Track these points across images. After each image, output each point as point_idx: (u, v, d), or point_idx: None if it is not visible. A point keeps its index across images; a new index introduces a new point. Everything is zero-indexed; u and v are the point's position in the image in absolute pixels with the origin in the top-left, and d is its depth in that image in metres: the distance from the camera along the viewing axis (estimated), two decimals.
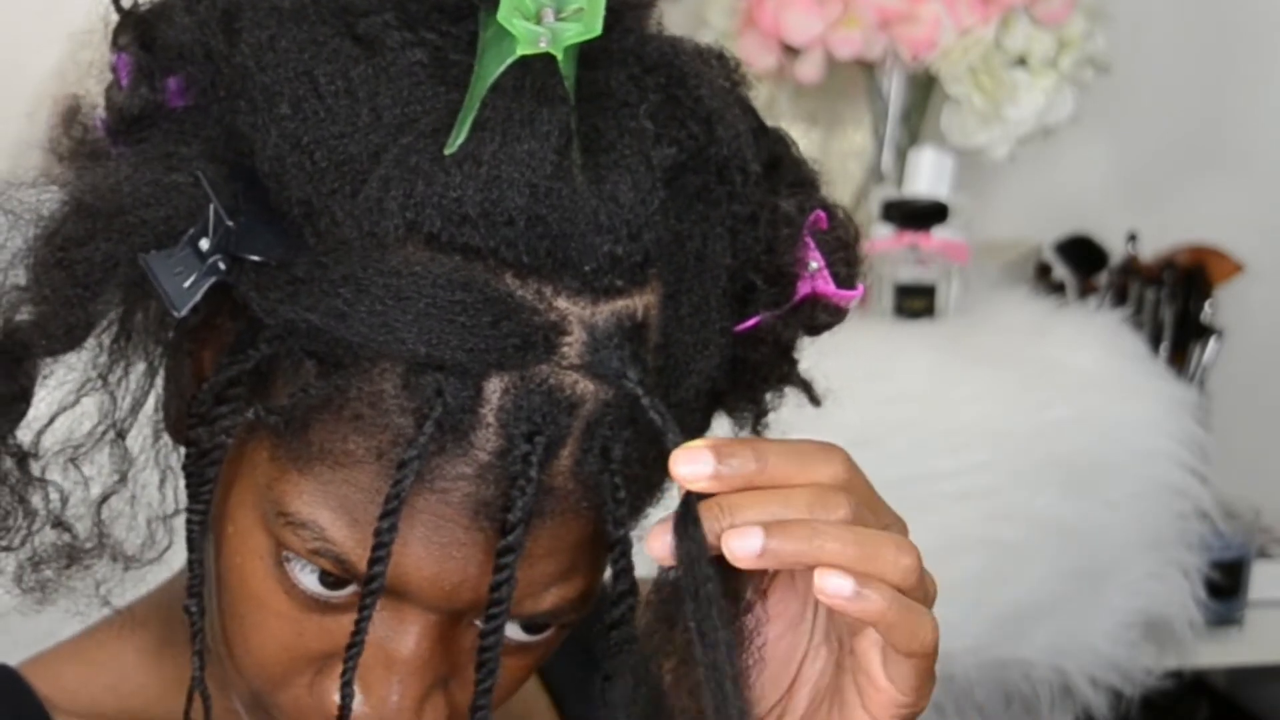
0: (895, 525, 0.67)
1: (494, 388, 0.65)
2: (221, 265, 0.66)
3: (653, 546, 0.65)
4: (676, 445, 0.65)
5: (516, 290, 0.65)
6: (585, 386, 0.66)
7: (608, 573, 0.69)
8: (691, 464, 0.64)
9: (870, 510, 0.66)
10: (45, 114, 0.74)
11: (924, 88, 1.84)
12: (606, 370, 0.66)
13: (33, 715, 0.79)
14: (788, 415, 0.81)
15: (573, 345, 0.65)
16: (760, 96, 1.96)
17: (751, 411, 0.80)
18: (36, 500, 0.73)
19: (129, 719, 0.80)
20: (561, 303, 0.65)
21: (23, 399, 0.71)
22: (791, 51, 1.78)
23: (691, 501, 0.64)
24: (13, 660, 0.82)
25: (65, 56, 0.74)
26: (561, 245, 0.65)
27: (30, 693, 0.80)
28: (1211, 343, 1.93)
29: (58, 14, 0.72)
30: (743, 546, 0.64)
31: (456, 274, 0.64)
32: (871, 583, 0.64)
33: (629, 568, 0.67)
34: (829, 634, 0.70)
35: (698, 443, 0.64)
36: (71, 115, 0.73)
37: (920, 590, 0.66)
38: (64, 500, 0.74)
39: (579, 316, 0.65)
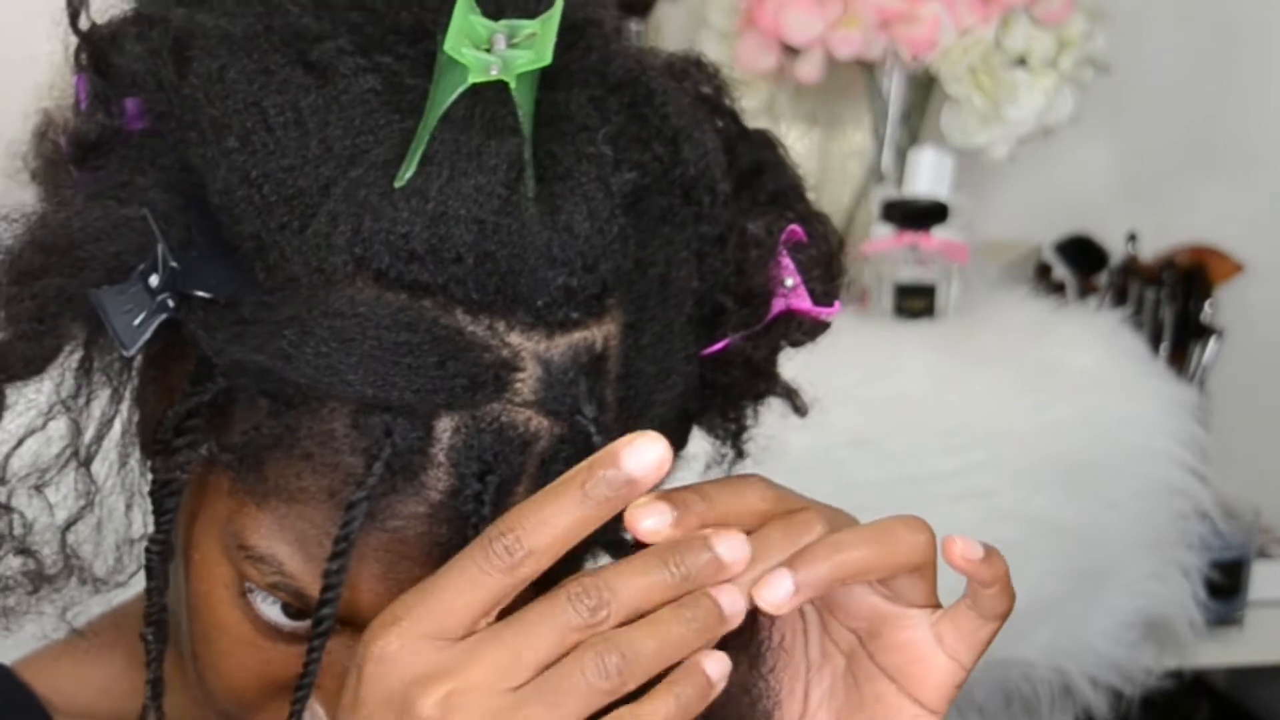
0: (845, 520, 0.68)
1: (445, 427, 0.63)
2: (170, 303, 0.65)
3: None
4: None
5: (467, 327, 0.63)
6: (539, 423, 0.64)
7: None
8: (652, 517, 0.63)
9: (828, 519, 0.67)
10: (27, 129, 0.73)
11: (924, 88, 1.84)
12: (561, 407, 0.64)
13: (35, 715, 0.79)
14: (785, 421, 0.81)
15: (526, 381, 0.64)
16: (760, 97, 1.96)
17: (731, 428, 0.80)
18: (1, 526, 0.72)
19: None
20: (514, 338, 0.64)
21: None
22: (791, 51, 1.78)
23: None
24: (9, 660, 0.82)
25: (56, 68, 0.73)
26: (511, 281, 0.63)
27: (29, 693, 0.80)
28: (1211, 343, 1.93)
29: (57, 14, 0.71)
30: (776, 592, 0.64)
31: (403, 313, 0.63)
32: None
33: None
34: (826, 651, 0.70)
35: (648, 497, 0.63)
36: (41, 133, 0.73)
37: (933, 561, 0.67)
38: (28, 527, 0.73)
39: (533, 352, 0.64)
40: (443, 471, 0.64)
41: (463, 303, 0.63)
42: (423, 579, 0.64)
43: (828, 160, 1.94)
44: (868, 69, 1.84)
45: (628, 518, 0.63)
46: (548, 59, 0.63)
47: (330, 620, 0.65)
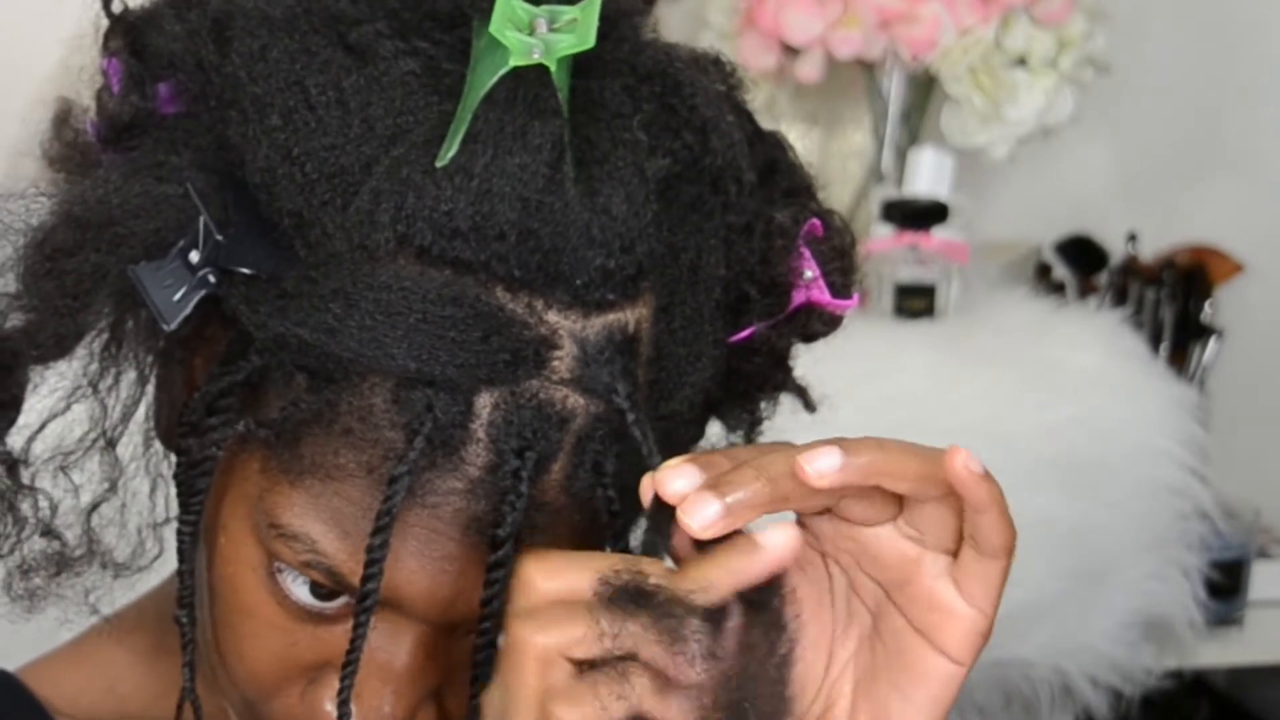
0: None
1: (484, 403, 0.64)
2: (211, 278, 0.66)
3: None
4: (657, 467, 0.64)
5: (507, 304, 0.64)
6: (576, 401, 0.65)
7: None
8: (680, 479, 0.63)
9: None
10: (39, 118, 0.73)
11: (924, 88, 1.84)
12: (597, 385, 0.65)
13: (37, 718, 0.79)
14: (784, 420, 0.81)
15: (563, 360, 0.65)
16: (760, 97, 1.97)
17: (746, 420, 0.80)
18: (26, 508, 0.73)
19: None
20: (552, 317, 0.65)
21: (13, 406, 0.71)
22: (791, 51, 1.78)
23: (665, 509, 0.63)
24: (10, 665, 0.82)
25: (59, 61, 0.73)
26: (553, 259, 0.64)
27: (30, 697, 0.80)
28: (1211, 343, 1.93)
29: (57, 14, 0.72)
30: (824, 463, 0.62)
31: (447, 288, 0.64)
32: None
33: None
34: (851, 612, 0.69)
35: (675, 460, 0.63)
36: (63, 119, 0.73)
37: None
38: (54, 508, 0.73)
39: (570, 331, 0.65)
40: (482, 447, 0.64)
41: (504, 280, 0.64)
42: (457, 556, 0.65)
43: (828, 160, 1.94)
44: (868, 69, 1.84)
45: (657, 480, 0.63)
46: (590, 42, 0.64)
47: (375, 595, 0.65)
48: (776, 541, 0.63)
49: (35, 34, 0.74)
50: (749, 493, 0.62)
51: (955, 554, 0.67)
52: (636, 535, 0.70)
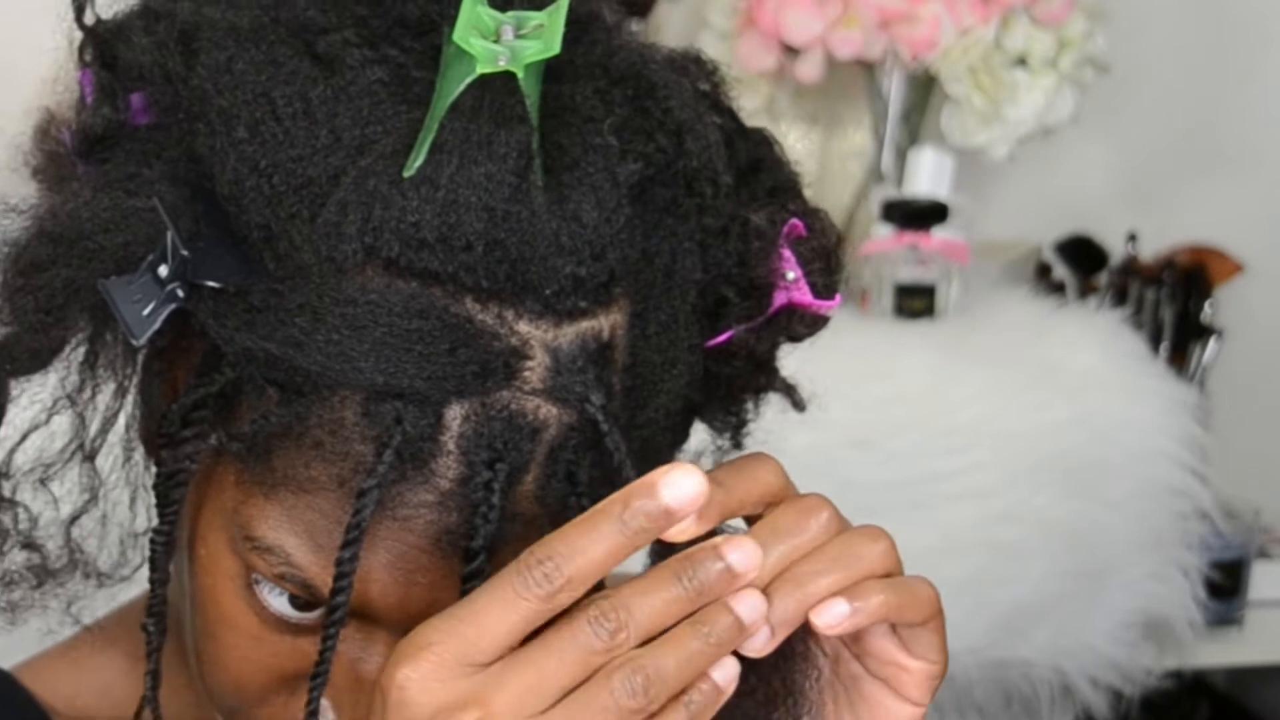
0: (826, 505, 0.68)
1: (454, 415, 0.64)
2: (180, 293, 0.65)
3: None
4: (630, 480, 0.64)
5: (476, 315, 0.64)
6: (548, 411, 0.65)
7: None
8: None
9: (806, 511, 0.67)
10: (24, 129, 0.73)
11: (924, 88, 1.84)
12: (569, 395, 0.65)
13: (35, 718, 0.79)
14: (785, 421, 0.81)
15: (535, 370, 0.64)
16: (760, 97, 1.96)
17: (731, 422, 0.80)
18: (7, 520, 0.73)
19: None
20: (523, 327, 0.64)
21: None
22: (791, 51, 1.78)
23: (670, 552, 0.64)
24: (8, 664, 0.82)
25: (59, 64, 0.73)
26: (521, 269, 0.64)
27: (29, 697, 0.80)
28: (1211, 343, 1.93)
29: (57, 14, 0.71)
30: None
31: (414, 300, 0.63)
32: (860, 590, 0.65)
33: (599, 588, 0.66)
34: (809, 654, 0.70)
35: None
36: (44, 130, 0.73)
37: (899, 563, 0.67)
38: (33, 521, 0.73)
39: (541, 340, 0.64)
40: (453, 459, 0.64)
41: (472, 290, 0.64)
42: (430, 568, 0.65)
43: (828, 160, 1.94)
44: (868, 69, 1.84)
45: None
46: (556, 49, 0.63)
47: (343, 609, 0.65)
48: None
49: (35, 34, 0.73)
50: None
51: None
52: None
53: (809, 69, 1.77)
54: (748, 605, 0.63)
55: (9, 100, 0.77)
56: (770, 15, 1.76)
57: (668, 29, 1.87)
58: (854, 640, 0.69)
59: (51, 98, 0.73)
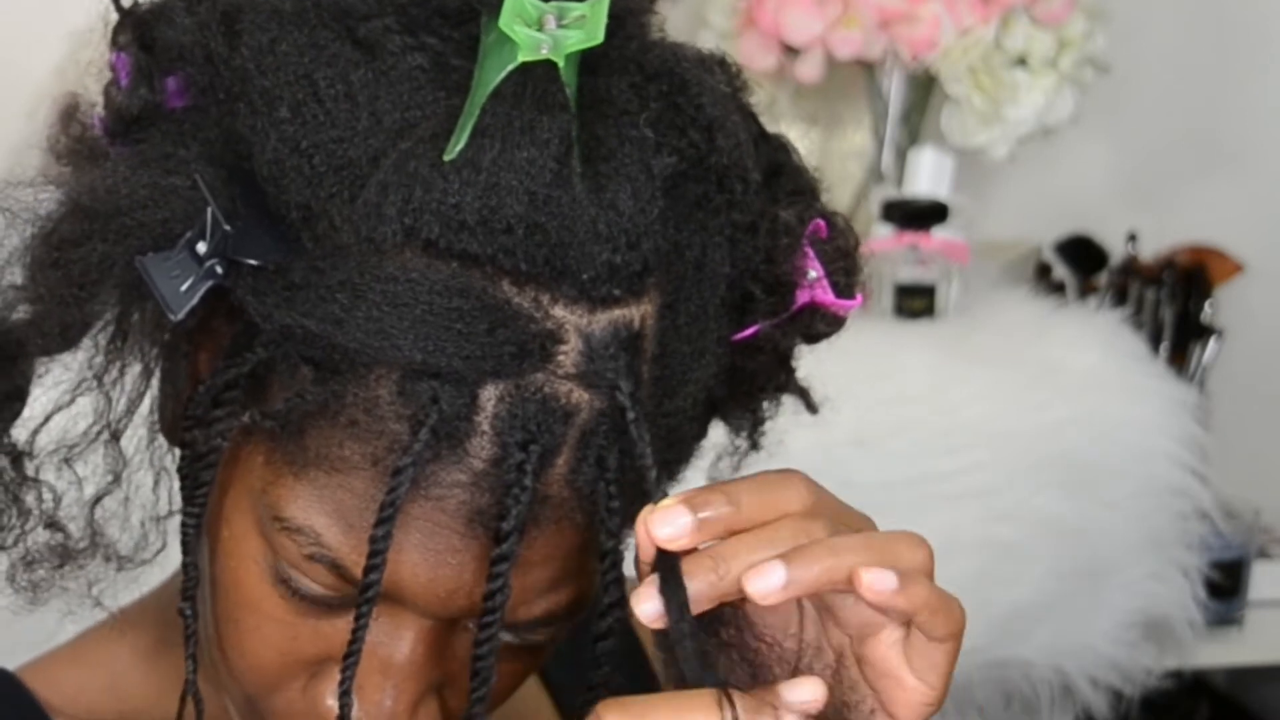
0: (868, 525, 0.67)
1: (489, 395, 0.64)
2: (219, 269, 0.66)
3: (642, 610, 0.63)
4: (651, 471, 0.64)
5: (513, 298, 0.64)
6: (580, 396, 0.65)
7: None
8: (670, 524, 0.63)
9: (844, 522, 0.66)
10: (45, 113, 0.73)
11: (924, 88, 1.84)
12: (601, 380, 0.65)
13: (35, 718, 0.79)
14: (785, 421, 0.81)
15: (568, 354, 0.65)
16: (760, 97, 1.97)
17: (748, 419, 0.80)
18: (30, 500, 0.73)
19: None
20: (558, 311, 0.65)
21: (18, 398, 0.71)
22: (791, 51, 1.78)
23: (672, 561, 0.63)
24: (10, 664, 0.82)
25: (66, 56, 0.73)
26: (560, 253, 0.64)
27: (30, 697, 0.80)
28: (1211, 343, 1.93)
29: (58, 14, 0.72)
30: (766, 583, 0.62)
31: (453, 281, 0.64)
32: (909, 575, 0.64)
33: (620, 578, 0.67)
34: (820, 645, 0.70)
35: (668, 502, 0.63)
36: (70, 114, 0.73)
37: (933, 575, 0.66)
38: (57, 500, 0.73)
39: (575, 325, 0.65)
40: (486, 440, 0.64)
41: (510, 273, 0.64)
42: (460, 549, 0.65)
43: (828, 160, 1.94)
44: (868, 69, 1.84)
45: (646, 524, 0.63)
46: (599, 39, 0.64)
47: (376, 587, 0.65)
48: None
49: (35, 34, 0.73)
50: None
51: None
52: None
53: (809, 69, 1.78)
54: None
55: (9, 100, 0.77)
56: (770, 15, 1.76)
57: (668, 29, 1.86)
58: (859, 641, 0.69)
59: (63, 88, 0.73)
